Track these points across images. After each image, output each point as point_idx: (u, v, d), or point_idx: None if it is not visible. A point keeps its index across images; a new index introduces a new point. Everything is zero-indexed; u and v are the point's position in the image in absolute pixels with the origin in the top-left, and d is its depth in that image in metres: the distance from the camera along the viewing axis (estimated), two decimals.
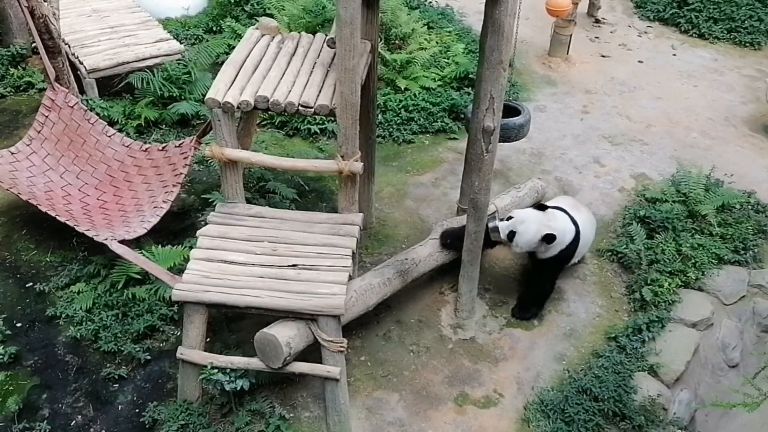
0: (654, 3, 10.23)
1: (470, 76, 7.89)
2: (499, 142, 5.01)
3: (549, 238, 5.12)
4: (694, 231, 6.23)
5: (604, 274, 6.02)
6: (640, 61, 9.26)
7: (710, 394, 5.51)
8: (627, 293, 5.83)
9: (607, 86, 8.70)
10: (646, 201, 6.62)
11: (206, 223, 4.92)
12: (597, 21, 10.01)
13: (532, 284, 5.62)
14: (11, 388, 4.68)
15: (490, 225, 5.18)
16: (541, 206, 5.36)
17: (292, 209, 5.65)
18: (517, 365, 5.19)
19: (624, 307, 5.74)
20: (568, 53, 9.06)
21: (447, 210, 6.48)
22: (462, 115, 7.35)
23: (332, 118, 4.69)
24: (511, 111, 5.83)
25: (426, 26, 8.71)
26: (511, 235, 5.13)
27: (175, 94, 7.32)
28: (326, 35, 5.04)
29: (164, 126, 7.20)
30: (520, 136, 5.99)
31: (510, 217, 5.27)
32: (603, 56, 9.33)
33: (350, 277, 4.62)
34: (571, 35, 8.95)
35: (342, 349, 4.41)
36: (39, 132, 6.05)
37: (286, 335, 4.25)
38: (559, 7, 8.24)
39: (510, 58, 4.65)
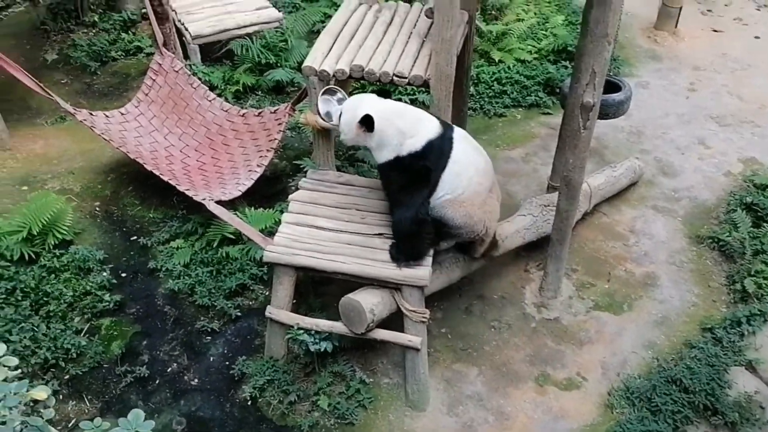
0: None
1: (569, 48, 7.61)
2: (597, 119, 4.82)
3: (366, 121, 4.06)
4: None
5: (703, 262, 5.72)
6: (756, 37, 8.61)
7: None
8: (727, 283, 5.52)
9: (717, 63, 8.15)
10: (755, 187, 6.21)
11: (297, 189, 5.05)
12: None
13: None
14: (115, 333, 5.03)
15: (320, 103, 4.33)
16: (384, 92, 4.27)
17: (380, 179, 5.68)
18: (603, 350, 5.05)
19: (722, 297, 5.44)
20: (676, 27, 8.55)
21: (537, 186, 6.33)
22: (558, 90, 7.11)
23: (425, 89, 4.63)
24: (610, 86, 5.59)
25: None
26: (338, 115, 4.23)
27: (271, 61, 7.49)
28: (423, 5, 4.98)
29: (260, 92, 7.40)
30: (619, 113, 5.76)
31: None
32: (715, 30, 8.73)
33: (435, 249, 4.63)
34: (680, 7, 8.42)
35: (424, 319, 4.44)
36: (146, 94, 6.36)
37: (370, 302, 4.32)
38: None
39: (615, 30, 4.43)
